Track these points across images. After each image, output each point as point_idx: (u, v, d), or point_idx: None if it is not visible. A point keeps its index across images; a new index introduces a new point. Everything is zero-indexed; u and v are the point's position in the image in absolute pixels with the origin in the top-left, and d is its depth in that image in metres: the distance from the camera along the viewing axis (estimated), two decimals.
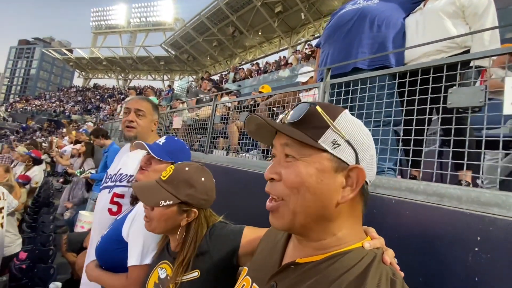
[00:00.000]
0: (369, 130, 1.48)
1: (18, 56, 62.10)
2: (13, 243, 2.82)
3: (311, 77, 2.97)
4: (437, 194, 1.09)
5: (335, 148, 0.52)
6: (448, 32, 1.55)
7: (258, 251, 0.73)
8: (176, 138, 1.35)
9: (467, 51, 1.51)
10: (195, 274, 0.87)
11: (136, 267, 1.04)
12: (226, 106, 3.12)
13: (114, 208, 1.43)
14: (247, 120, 0.60)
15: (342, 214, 0.54)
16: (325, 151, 0.52)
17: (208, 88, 5.43)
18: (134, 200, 1.31)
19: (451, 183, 1.10)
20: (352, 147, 0.53)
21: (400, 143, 1.45)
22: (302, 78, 2.94)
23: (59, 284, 2.35)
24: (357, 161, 0.53)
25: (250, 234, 0.91)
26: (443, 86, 1.19)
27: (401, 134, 1.39)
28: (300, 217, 0.52)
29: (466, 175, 1.33)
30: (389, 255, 0.54)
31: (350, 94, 1.58)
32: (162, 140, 1.29)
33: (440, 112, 1.21)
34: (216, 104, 2.85)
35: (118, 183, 1.47)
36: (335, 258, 0.52)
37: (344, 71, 1.73)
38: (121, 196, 1.44)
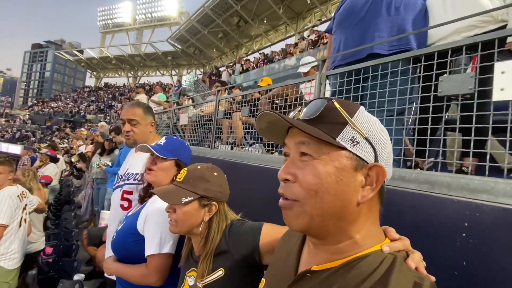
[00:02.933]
0: (382, 120, 1.43)
1: (32, 60, 64.06)
2: (39, 240, 3.05)
3: (313, 67, 2.95)
4: (428, 182, 1.11)
5: (354, 145, 0.49)
6: (482, 6, 1.40)
7: (274, 258, 0.72)
8: (175, 137, 1.45)
9: (504, 26, 1.38)
10: (220, 273, 0.90)
11: (156, 256, 1.15)
12: (229, 101, 3.16)
13: (125, 204, 1.57)
14: (259, 117, 0.56)
15: (361, 215, 0.51)
16: (344, 148, 0.49)
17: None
18: (142, 199, 1.40)
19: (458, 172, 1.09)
20: (371, 145, 0.50)
21: (404, 131, 1.40)
22: (303, 69, 2.91)
23: (83, 275, 2.55)
24: (376, 159, 0.51)
25: (270, 231, 0.91)
26: (477, 68, 1.07)
27: (411, 123, 1.33)
28: (318, 220, 0.50)
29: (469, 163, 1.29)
30: (415, 259, 0.50)
31: (361, 82, 1.50)
32: (162, 140, 1.40)
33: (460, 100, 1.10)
34: (219, 100, 2.90)
35: (126, 182, 1.61)
36: (352, 264, 0.49)
37: (358, 57, 1.63)
38: (130, 192, 1.57)
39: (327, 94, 1.78)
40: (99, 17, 34.71)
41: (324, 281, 0.50)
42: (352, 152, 0.49)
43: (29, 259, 2.83)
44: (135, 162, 1.63)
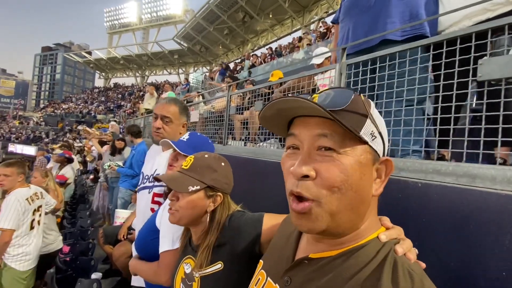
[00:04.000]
0: (401, 110, 1.32)
1: (43, 62, 65.47)
2: (56, 240, 3.07)
3: (327, 58, 2.85)
4: (468, 175, 1.02)
5: (373, 140, 0.49)
6: None
7: (272, 243, 0.72)
8: (198, 134, 1.39)
9: None
10: (219, 266, 0.88)
11: (169, 252, 1.07)
12: (241, 96, 3.10)
13: (156, 207, 1.48)
14: (273, 103, 0.50)
15: (369, 208, 0.52)
16: (365, 143, 0.48)
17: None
18: (166, 196, 1.37)
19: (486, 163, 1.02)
20: (382, 139, 0.51)
21: (427, 122, 1.35)
22: (316, 60, 2.81)
23: (100, 274, 2.55)
24: (383, 153, 0.52)
25: (270, 222, 0.90)
26: (488, 54, 1.03)
27: (433, 112, 1.27)
28: (336, 218, 0.48)
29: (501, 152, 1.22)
30: (404, 246, 0.50)
31: (377, 71, 1.43)
32: (186, 136, 1.34)
33: (485, 86, 1.03)
34: (231, 95, 2.84)
35: (156, 183, 1.51)
36: (350, 253, 0.50)
37: (370, 45, 1.57)
38: (161, 195, 1.49)
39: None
40: (106, 18, 35.14)
41: (320, 269, 0.51)
42: (371, 146, 0.49)
43: (49, 260, 2.86)
44: (163, 163, 1.53)
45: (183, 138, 1.32)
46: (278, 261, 0.62)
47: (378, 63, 1.43)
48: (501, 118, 0.99)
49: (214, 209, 0.97)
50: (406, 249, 0.50)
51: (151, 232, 1.21)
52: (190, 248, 1.00)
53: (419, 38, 1.40)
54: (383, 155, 0.52)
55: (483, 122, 1.04)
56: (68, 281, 2.58)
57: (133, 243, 1.50)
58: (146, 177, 1.60)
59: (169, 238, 1.09)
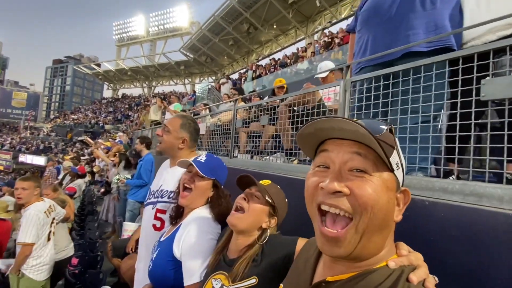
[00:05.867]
0: (416, 127, 1.30)
1: (53, 75, 67.27)
2: (68, 247, 3.13)
3: (331, 72, 2.88)
4: (474, 194, 1.02)
5: (397, 169, 0.53)
6: None
7: (293, 267, 0.73)
8: (214, 156, 1.38)
9: None
10: (253, 280, 0.91)
11: (197, 284, 1.06)
12: (247, 110, 3.15)
13: (158, 223, 1.49)
14: (317, 121, 0.52)
15: (390, 234, 0.55)
16: (392, 170, 0.52)
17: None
18: (173, 220, 1.33)
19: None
20: (403, 170, 0.55)
21: (440, 139, 1.32)
22: (321, 75, 2.85)
23: (108, 287, 2.56)
24: (402, 183, 0.56)
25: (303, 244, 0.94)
26: (507, 71, 1.04)
27: (446, 129, 1.24)
28: (366, 239, 0.50)
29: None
30: (417, 274, 0.50)
31: (391, 87, 1.40)
32: (203, 157, 1.32)
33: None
34: (237, 109, 2.89)
35: (160, 199, 1.52)
36: (362, 276, 0.51)
37: (391, 58, 1.52)
38: (163, 211, 1.49)
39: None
40: (115, 31, 36.14)
41: None
42: (396, 176, 0.53)
43: (59, 266, 2.91)
44: (169, 178, 1.54)
45: (200, 159, 1.29)
46: (296, 284, 0.65)
47: (383, 78, 1.43)
48: (505, 137, 0.99)
49: (266, 228, 1.06)
50: (421, 277, 0.50)
51: (169, 262, 1.18)
52: (223, 263, 1.02)
53: (442, 51, 1.35)
54: (402, 185, 0.56)
55: (488, 141, 1.05)
56: None
57: (139, 262, 1.47)
58: (152, 193, 1.61)
59: (199, 270, 1.09)
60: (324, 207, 0.52)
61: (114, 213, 4.47)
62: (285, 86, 4.13)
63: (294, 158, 2.26)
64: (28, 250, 2.44)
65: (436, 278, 0.53)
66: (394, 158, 0.52)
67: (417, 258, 0.56)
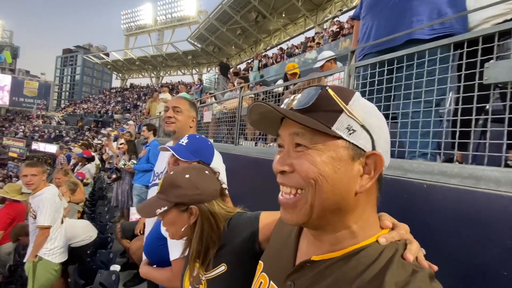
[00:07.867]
0: (419, 112, 1.30)
1: (63, 64, 68.21)
2: (89, 232, 3.23)
3: (328, 61, 2.87)
4: (472, 177, 1.04)
5: (350, 134, 0.48)
6: None
7: (271, 243, 0.72)
8: (197, 136, 1.33)
9: None
10: (222, 268, 0.89)
11: (179, 260, 1.11)
12: (252, 97, 3.16)
13: None
14: (251, 109, 0.54)
15: (359, 204, 0.51)
16: (340, 138, 0.48)
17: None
18: None
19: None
20: (368, 132, 0.49)
21: (441, 124, 1.33)
22: (319, 63, 2.84)
23: (118, 266, 2.69)
24: (373, 147, 0.50)
25: (267, 219, 0.89)
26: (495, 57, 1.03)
27: (451, 114, 1.25)
28: (317, 210, 0.49)
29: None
30: (413, 251, 0.49)
31: (395, 72, 1.40)
32: (184, 140, 1.27)
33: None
34: (242, 96, 2.91)
35: None
36: (351, 255, 0.50)
37: (394, 44, 1.52)
38: None
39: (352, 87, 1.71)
40: (123, 20, 36.19)
41: (322, 272, 0.51)
42: (349, 141, 0.48)
43: (80, 252, 3.05)
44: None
45: (182, 142, 1.27)
46: (278, 263, 0.62)
47: (387, 64, 1.43)
48: (506, 121, 1.00)
49: (195, 221, 0.95)
50: (416, 253, 0.49)
51: (158, 239, 1.24)
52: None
53: (446, 37, 1.34)
54: (373, 148, 0.50)
55: (489, 126, 1.05)
56: (89, 273, 2.74)
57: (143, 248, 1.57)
58: (157, 174, 1.66)
59: (178, 246, 1.10)
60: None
61: (121, 198, 4.59)
62: (298, 72, 4.03)
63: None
64: (47, 232, 2.54)
65: (424, 250, 0.53)
66: (342, 123, 0.48)
67: (406, 230, 0.55)
